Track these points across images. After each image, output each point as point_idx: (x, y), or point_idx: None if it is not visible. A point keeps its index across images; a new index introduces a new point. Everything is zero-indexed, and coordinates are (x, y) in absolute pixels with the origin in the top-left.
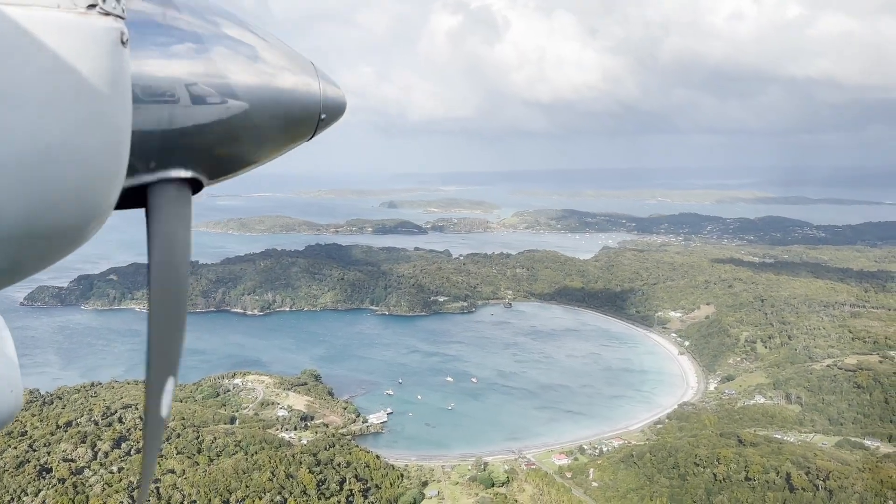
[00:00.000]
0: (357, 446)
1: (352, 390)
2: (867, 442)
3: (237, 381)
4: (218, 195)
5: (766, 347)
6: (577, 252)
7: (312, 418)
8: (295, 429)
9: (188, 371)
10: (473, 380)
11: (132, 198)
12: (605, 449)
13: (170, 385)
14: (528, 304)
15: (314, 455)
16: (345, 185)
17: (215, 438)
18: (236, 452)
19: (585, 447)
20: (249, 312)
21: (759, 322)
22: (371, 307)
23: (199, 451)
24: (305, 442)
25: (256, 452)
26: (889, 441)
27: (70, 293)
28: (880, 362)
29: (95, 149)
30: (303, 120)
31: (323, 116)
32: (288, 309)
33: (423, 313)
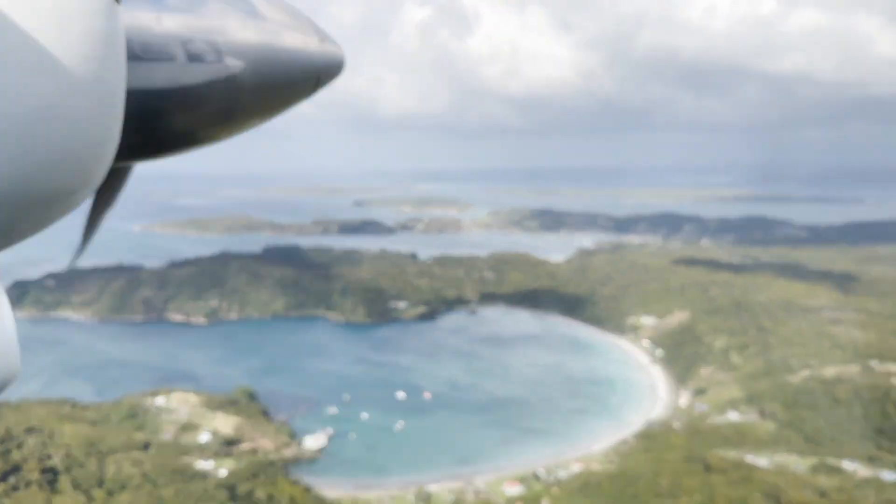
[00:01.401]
0: (285, 476)
1: (291, 409)
2: (845, 464)
3: (160, 400)
4: (179, 193)
5: (741, 357)
6: (550, 253)
7: (239, 443)
8: (215, 456)
9: (109, 387)
10: (427, 395)
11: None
12: (562, 475)
13: None
14: (494, 310)
15: (231, 489)
16: (315, 182)
17: (119, 469)
18: (141, 486)
19: (541, 473)
20: (193, 321)
21: (734, 329)
22: (326, 314)
23: (99, 485)
24: (224, 472)
25: (164, 486)
26: (868, 462)
27: None
28: (861, 374)
29: (89, 110)
30: (302, 78)
31: (321, 74)
32: (235, 317)
33: (381, 321)
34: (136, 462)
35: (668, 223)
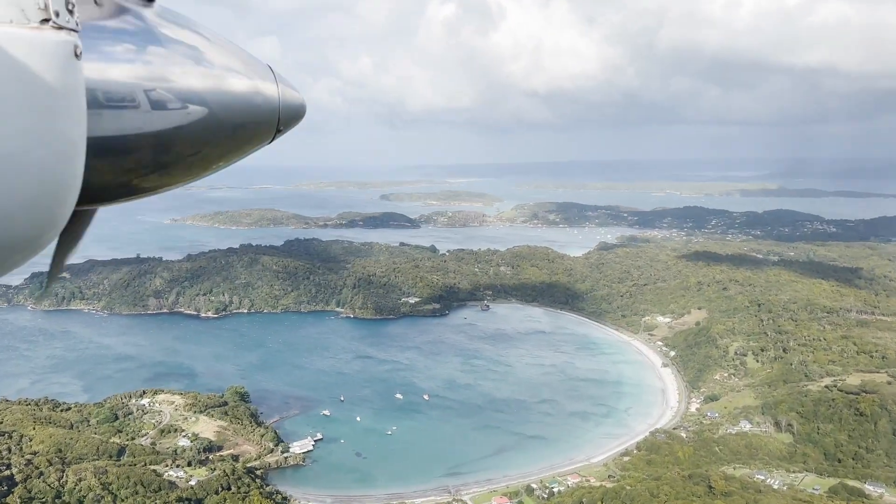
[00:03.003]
0: (262, 486)
1: (283, 411)
2: (868, 487)
3: (145, 401)
4: (214, 186)
5: (757, 361)
6: (571, 247)
7: (220, 449)
8: (189, 464)
9: (99, 384)
10: (425, 396)
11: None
12: (556, 490)
13: None
14: (507, 306)
15: (199, 501)
16: (349, 178)
17: (80, 480)
18: (101, 499)
19: (535, 486)
20: (203, 315)
21: (752, 331)
22: (336, 309)
23: (56, 497)
24: (195, 483)
25: (124, 500)
26: (895, 486)
27: (19, 291)
28: (888, 383)
29: (49, 161)
30: (262, 123)
31: (281, 120)
32: (246, 311)
33: (391, 316)
34: (100, 472)
35: (695, 217)
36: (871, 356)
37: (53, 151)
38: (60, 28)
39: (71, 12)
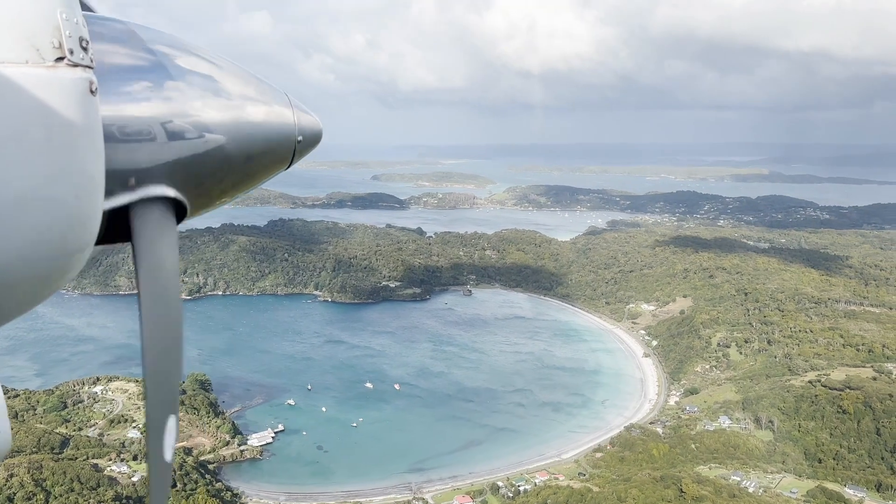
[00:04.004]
0: (212, 482)
1: (246, 399)
2: (848, 491)
3: (98, 388)
4: None
5: (741, 353)
6: (559, 231)
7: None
8: (135, 458)
9: (54, 367)
10: (396, 386)
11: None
12: (523, 488)
13: (171, 423)
14: (490, 291)
15: (138, 499)
16: (342, 157)
17: (11, 476)
18: (33, 497)
19: (501, 484)
20: None
21: (737, 321)
22: (315, 292)
23: None
24: (136, 479)
25: (56, 497)
26: (877, 491)
27: None
28: (874, 379)
29: (68, 197)
30: (279, 150)
31: (299, 144)
32: (221, 293)
33: (370, 300)
34: (34, 467)
35: (687, 202)
36: (858, 349)
37: (72, 188)
38: (76, 65)
39: (85, 49)
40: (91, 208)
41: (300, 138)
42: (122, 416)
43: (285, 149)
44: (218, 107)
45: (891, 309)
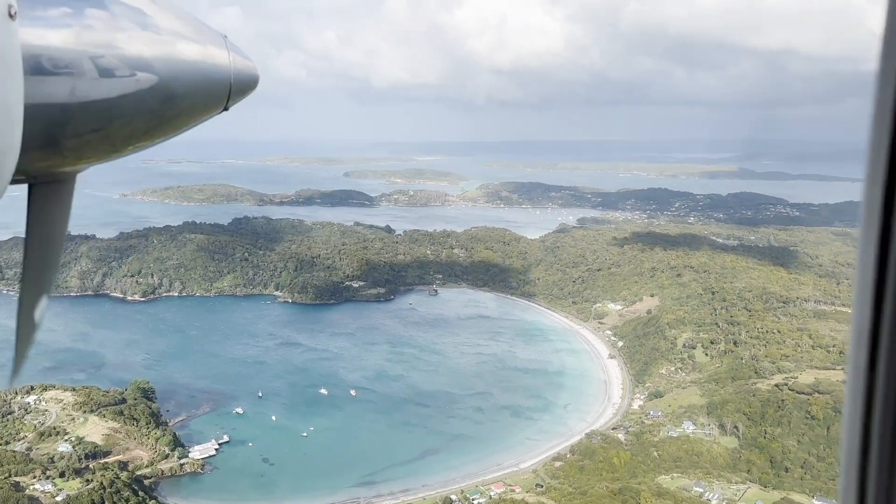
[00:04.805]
0: (144, 500)
1: (192, 408)
2: (815, 503)
3: (31, 398)
4: (175, 159)
5: (706, 355)
6: (529, 229)
7: (107, 455)
8: (63, 475)
9: None
10: (352, 392)
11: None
12: (477, 502)
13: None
14: (457, 291)
15: None
16: (315, 153)
17: None
18: None
19: (454, 497)
20: (130, 298)
21: (703, 321)
22: (275, 293)
23: None
24: (63, 497)
25: None
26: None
27: None
28: (844, 382)
29: None
30: (213, 92)
31: (233, 89)
32: (177, 294)
33: (332, 301)
34: None
35: (658, 199)
36: (828, 350)
37: None
38: None
39: None
40: (9, 138)
41: (235, 84)
42: (54, 429)
43: (220, 92)
44: (151, 44)
45: None
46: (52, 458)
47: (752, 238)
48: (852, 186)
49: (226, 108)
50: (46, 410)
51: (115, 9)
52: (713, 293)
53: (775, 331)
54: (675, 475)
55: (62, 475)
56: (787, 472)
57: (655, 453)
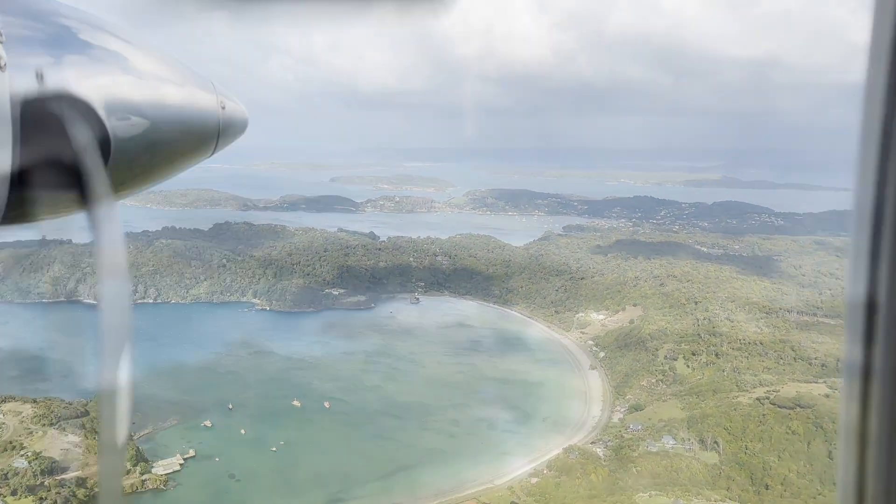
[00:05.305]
0: None
1: (159, 420)
2: None
3: None
4: None
5: (688, 367)
6: (515, 236)
7: (65, 471)
8: (14, 493)
9: None
10: (326, 404)
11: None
12: None
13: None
14: (439, 299)
15: None
16: (304, 159)
17: None
18: None
19: None
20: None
21: (685, 332)
22: (253, 300)
23: None
24: None
25: None
26: None
27: None
28: (826, 396)
29: None
30: (203, 136)
31: (221, 133)
32: (151, 301)
33: (310, 309)
34: None
35: (644, 207)
36: (811, 363)
37: None
38: None
39: None
40: None
41: (224, 128)
42: (10, 443)
43: (209, 136)
44: (143, 89)
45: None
46: (5, 475)
47: (737, 247)
48: (836, 196)
49: (214, 153)
50: (3, 424)
51: (100, 54)
52: (696, 303)
53: (757, 342)
54: (653, 493)
55: (14, 493)
56: (767, 489)
57: (635, 469)
